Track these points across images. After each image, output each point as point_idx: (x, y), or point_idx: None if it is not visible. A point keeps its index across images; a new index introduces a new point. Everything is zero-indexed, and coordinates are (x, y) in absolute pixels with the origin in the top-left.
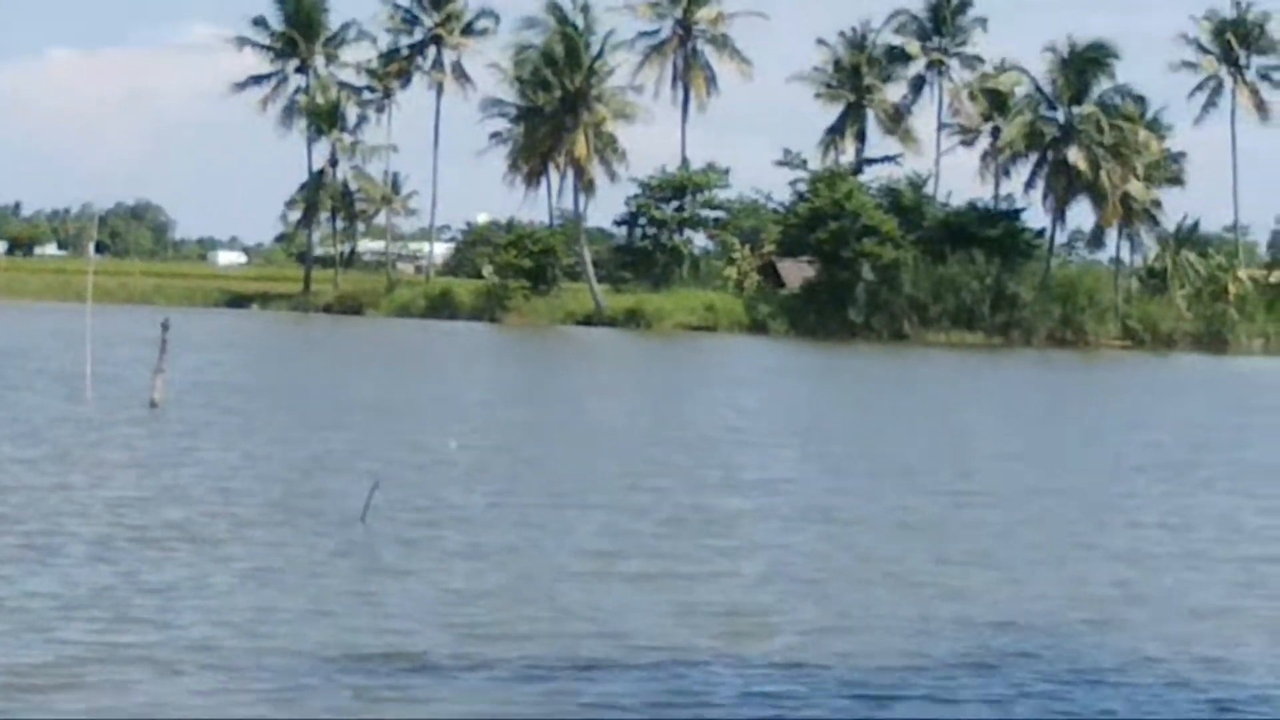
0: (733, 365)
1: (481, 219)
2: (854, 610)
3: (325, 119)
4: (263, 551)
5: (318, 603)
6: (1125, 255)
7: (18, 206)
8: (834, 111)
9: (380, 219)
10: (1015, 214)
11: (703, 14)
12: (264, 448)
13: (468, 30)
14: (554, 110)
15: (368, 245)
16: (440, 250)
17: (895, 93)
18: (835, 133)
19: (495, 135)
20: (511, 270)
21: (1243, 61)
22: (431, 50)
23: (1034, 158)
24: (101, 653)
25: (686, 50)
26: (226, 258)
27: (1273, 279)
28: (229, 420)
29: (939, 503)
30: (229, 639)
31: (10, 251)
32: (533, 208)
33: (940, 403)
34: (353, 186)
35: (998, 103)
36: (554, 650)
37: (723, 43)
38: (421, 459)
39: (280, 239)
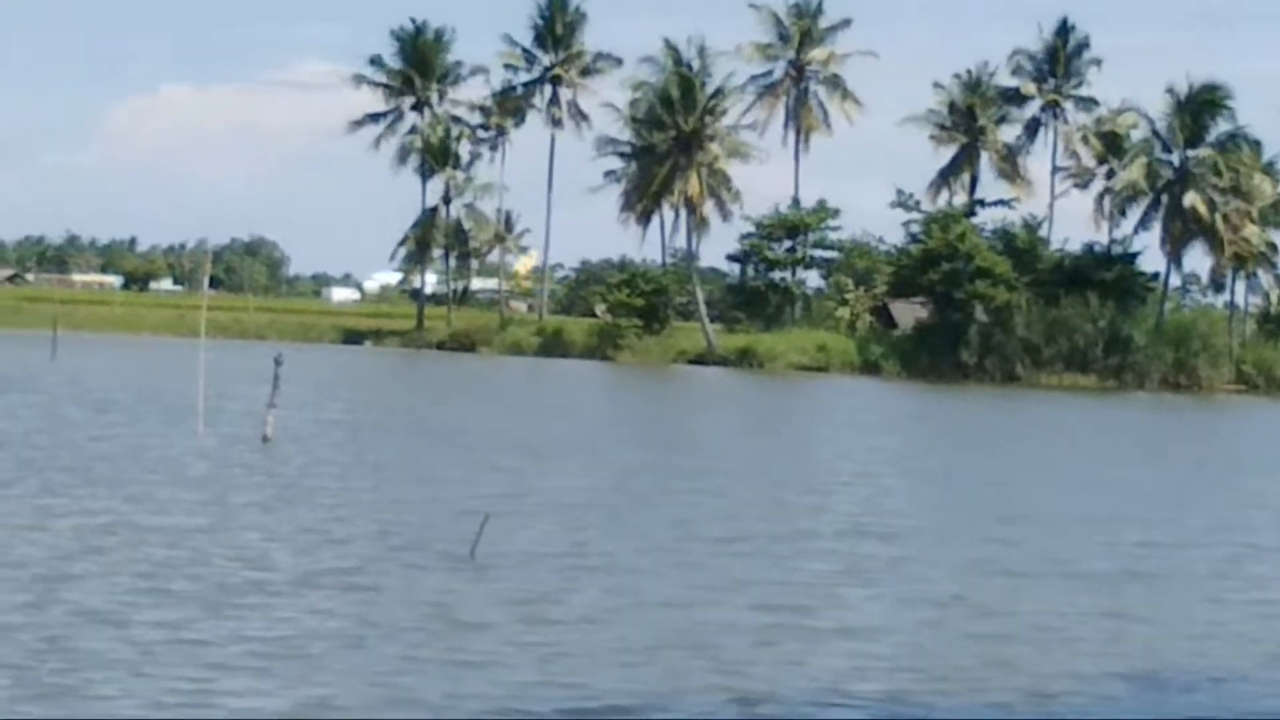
0: (856, 407)
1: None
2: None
3: (438, 156)
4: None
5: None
6: (1241, 299)
7: (133, 241)
8: (948, 153)
9: (493, 257)
10: (1131, 258)
11: (815, 54)
12: (375, 485)
13: (586, 70)
14: (668, 149)
15: (481, 284)
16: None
17: (1009, 134)
18: (948, 174)
19: (610, 174)
20: (624, 309)
21: None
22: (547, 88)
23: (1149, 200)
24: None
25: (799, 90)
26: (341, 294)
27: None
28: (341, 456)
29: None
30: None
31: (126, 286)
32: (646, 246)
33: (1091, 449)
34: (465, 224)
35: (1113, 145)
36: None
37: (835, 83)
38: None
39: (400, 282)
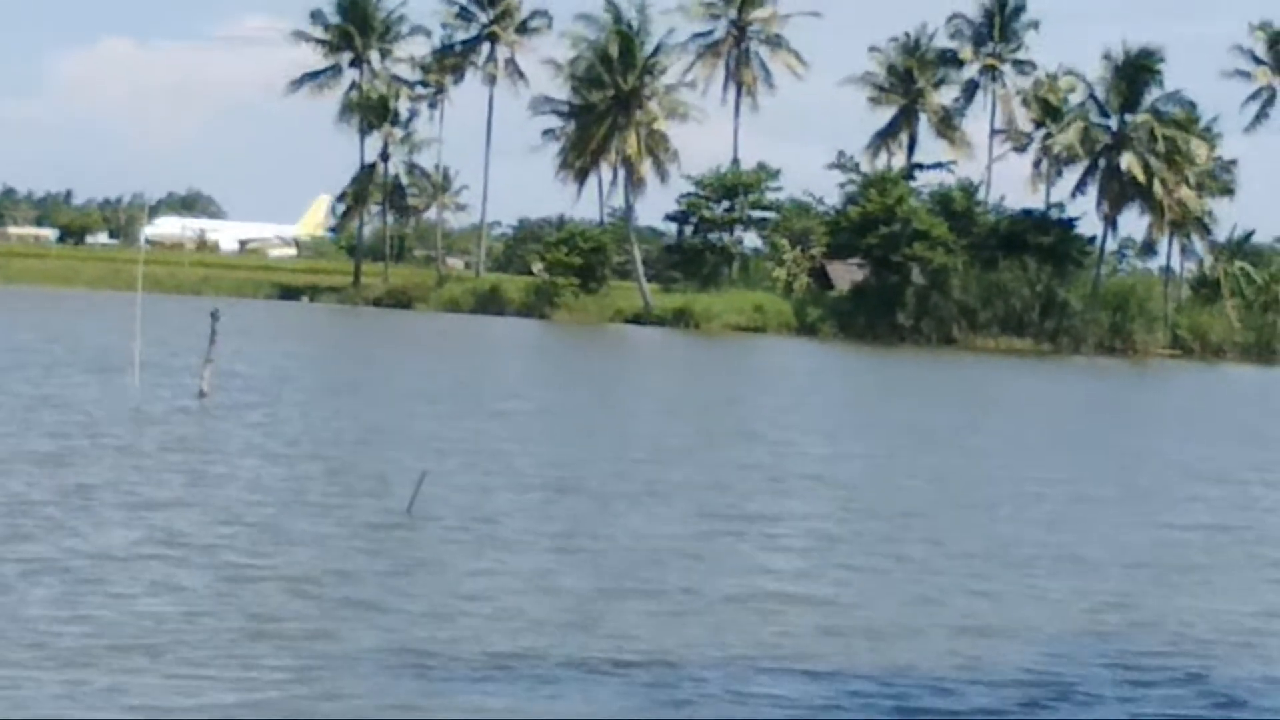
0: (801, 369)
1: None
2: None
3: (377, 113)
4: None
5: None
6: (1176, 264)
7: (69, 195)
8: (886, 115)
9: (431, 214)
10: (1069, 223)
11: (757, 14)
12: (312, 437)
13: (522, 28)
14: (606, 108)
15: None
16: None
17: (948, 97)
18: (887, 136)
19: (548, 132)
20: (561, 268)
21: None
22: (485, 47)
23: (1086, 165)
24: None
25: (740, 50)
26: (276, 250)
27: None
28: (277, 410)
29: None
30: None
31: (62, 239)
32: (583, 205)
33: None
34: (404, 181)
35: (1050, 109)
36: None
37: (777, 42)
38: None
39: (331, 231)
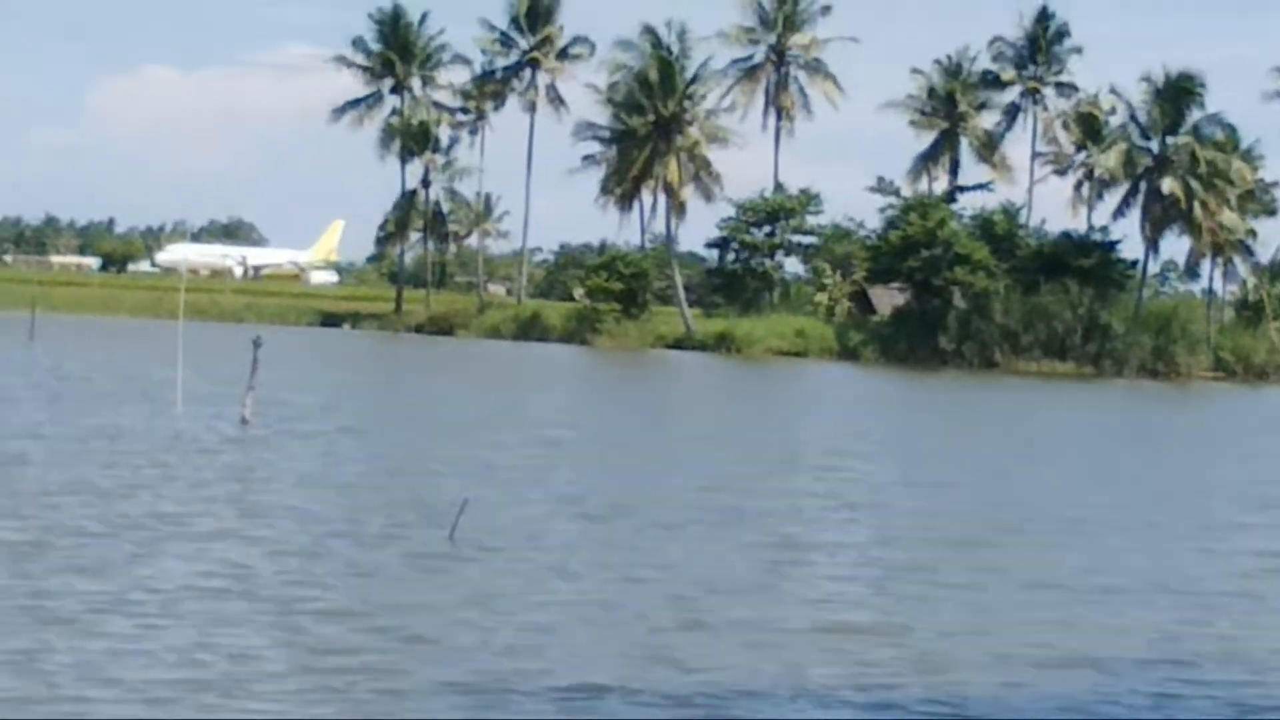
0: (844, 394)
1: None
2: None
3: (418, 140)
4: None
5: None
6: (1219, 286)
7: (112, 223)
8: (927, 139)
9: (472, 240)
10: (1110, 245)
11: (796, 39)
12: (354, 465)
13: (563, 54)
14: (647, 133)
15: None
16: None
17: (989, 120)
18: (928, 160)
19: (588, 158)
20: (602, 293)
21: None
22: (526, 73)
23: (1127, 187)
24: None
25: (780, 74)
26: (319, 277)
27: None
28: (319, 438)
29: None
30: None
31: (104, 268)
32: (625, 231)
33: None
34: (444, 207)
35: (1092, 132)
36: None
37: (815, 67)
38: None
39: (373, 259)
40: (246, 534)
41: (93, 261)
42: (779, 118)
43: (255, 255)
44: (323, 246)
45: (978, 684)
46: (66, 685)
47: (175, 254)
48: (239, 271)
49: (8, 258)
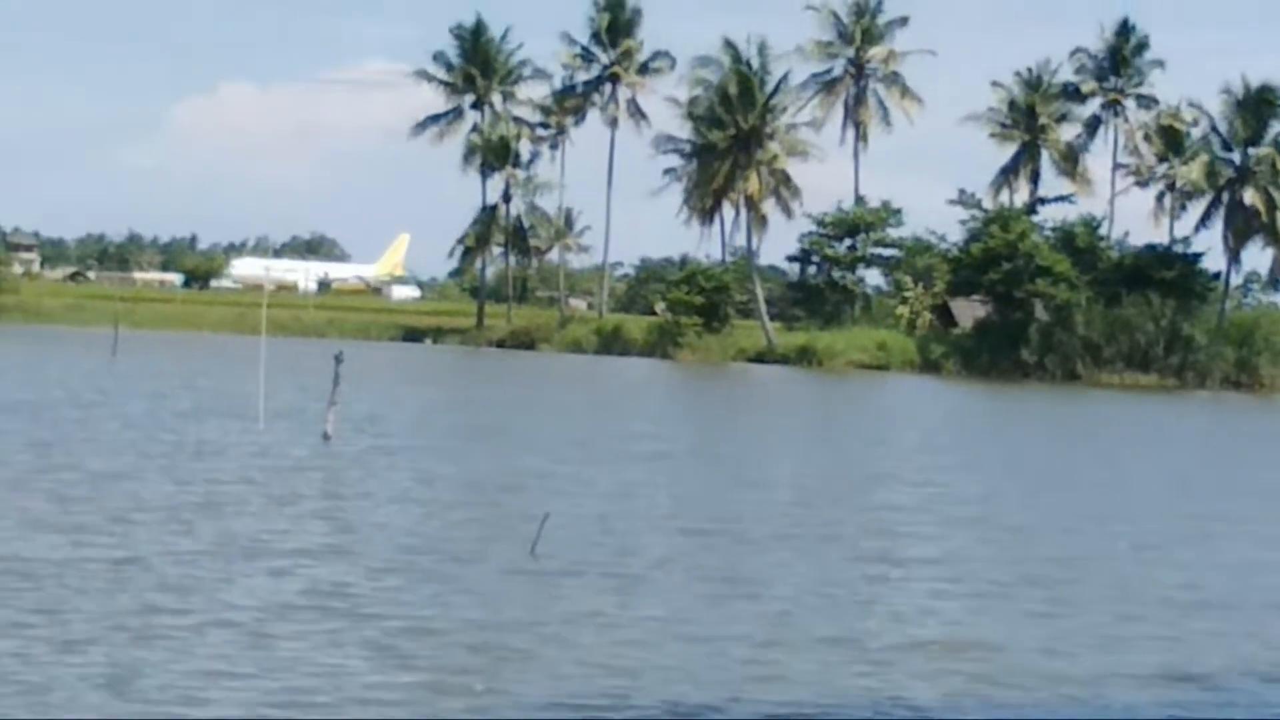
0: (928, 407)
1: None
2: None
3: (498, 155)
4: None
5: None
6: None
7: (194, 239)
8: (1008, 151)
9: (553, 255)
10: (1193, 258)
11: (874, 52)
12: (436, 481)
13: (643, 69)
14: (727, 147)
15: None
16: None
17: (1070, 133)
18: (1009, 173)
19: (669, 171)
20: (684, 307)
21: None
22: (607, 87)
23: (1209, 198)
24: None
25: (859, 88)
26: (400, 292)
27: None
28: (402, 453)
29: None
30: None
31: (187, 284)
32: (706, 245)
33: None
34: (525, 222)
35: (1173, 144)
36: None
37: (894, 80)
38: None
39: (454, 274)
40: (334, 550)
41: (175, 278)
42: (858, 131)
43: (321, 270)
44: (388, 260)
45: (1083, 702)
46: (162, 704)
47: (242, 269)
48: (304, 286)
49: (91, 275)
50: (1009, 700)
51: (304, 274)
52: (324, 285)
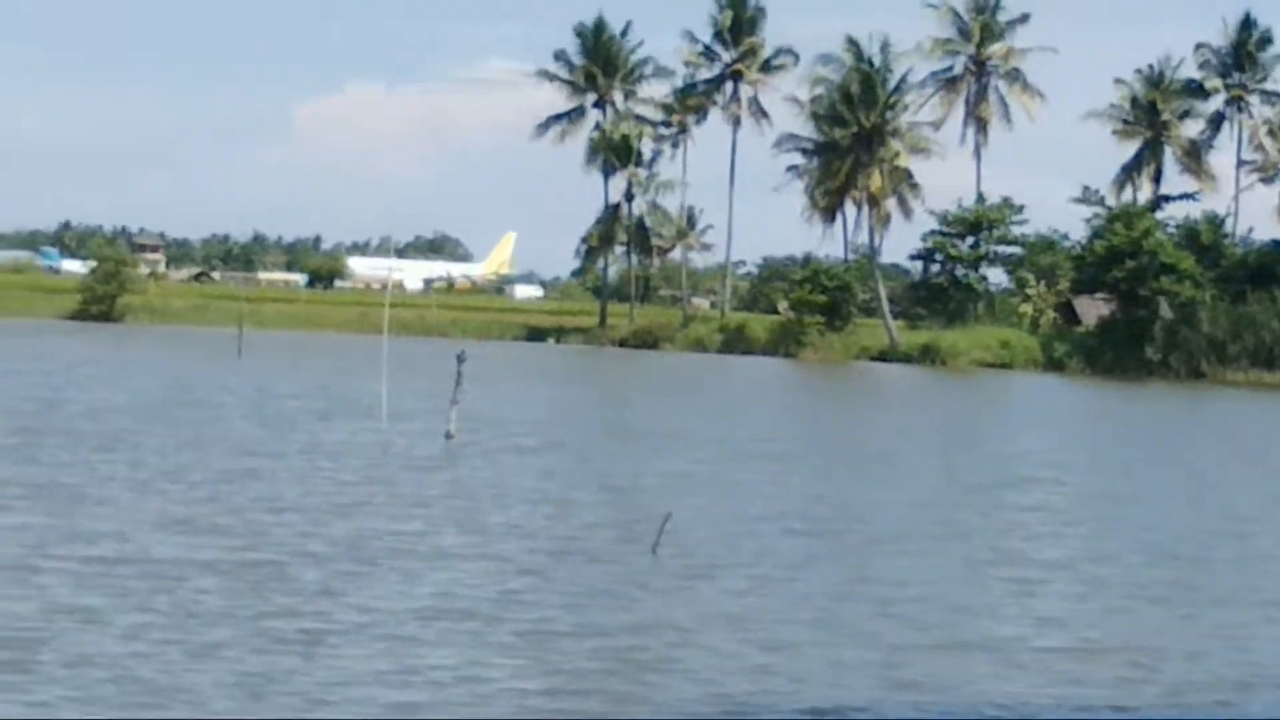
0: (1054, 405)
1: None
2: None
3: (620, 154)
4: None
5: None
6: None
7: (318, 240)
8: (1130, 148)
9: (675, 253)
10: None
11: (994, 49)
12: (557, 481)
13: (766, 67)
14: (849, 145)
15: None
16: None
17: (1193, 129)
18: (1131, 170)
19: (792, 169)
20: (807, 306)
21: None
22: (729, 86)
23: None
24: None
25: (979, 85)
26: (523, 291)
27: None
28: (523, 452)
29: None
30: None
31: (311, 284)
32: (828, 243)
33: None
34: (648, 221)
35: None
36: None
37: (1015, 77)
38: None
39: (577, 273)
40: (461, 552)
41: (299, 278)
42: (979, 128)
43: (426, 269)
44: (495, 259)
45: (1230, 705)
46: (295, 709)
47: (354, 268)
48: (412, 286)
49: (216, 275)
50: (1151, 702)
51: (410, 273)
52: (427, 284)
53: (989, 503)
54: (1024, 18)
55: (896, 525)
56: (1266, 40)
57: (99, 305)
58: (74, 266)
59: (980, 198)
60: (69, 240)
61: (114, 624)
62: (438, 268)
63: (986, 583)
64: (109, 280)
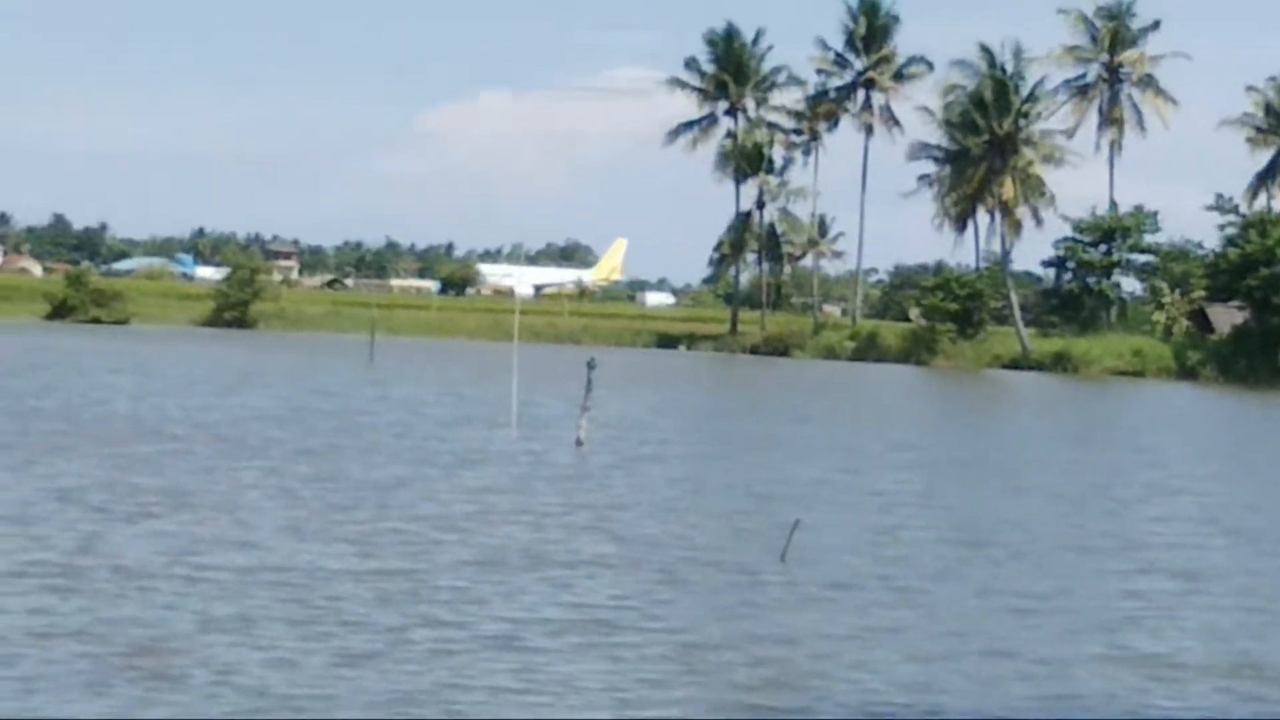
0: (1190, 414)
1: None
2: None
3: (752, 161)
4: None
5: None
6: None
7: (450, 247)
8: (1264, 156)
9: (807, 261)
10: None
11: (1127, 56)
12: (686, 488)
13: (898, 75)
14: (982, 153)
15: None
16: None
17: None
18: (1266, 177)
19: (923, 177)
20: (938, 313)
21: None
22: (860, 93)
23: None
24: None
25: (1112, 92)
26: (655, 299)
27: None
28: (654, 460)
29: None
30: None
31: (443, 290)
32: (960, 251)
33: None
34: (779, 229)
35: None
36: None
37: (1148, 84)
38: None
39: (708, 280)
40: (595, 561)
41: (431, 284)
42: (1113, 135)
43: (538, 274)
44: (605, 265)
45: None
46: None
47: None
48: (523, 292)
49: (349, 282)
50: None
51: (521, 279)
52: (538, 290)
53: (1130, 513)
54: (1155, 24)
55: (1036, 535)
56: None
57: (232, 312)
58: (208, 273)
59: (1113, 205)
60: (203, 247)
61: (256, 633)
62: (549, 274)
63: (1132, 594)
64: (243, 287)
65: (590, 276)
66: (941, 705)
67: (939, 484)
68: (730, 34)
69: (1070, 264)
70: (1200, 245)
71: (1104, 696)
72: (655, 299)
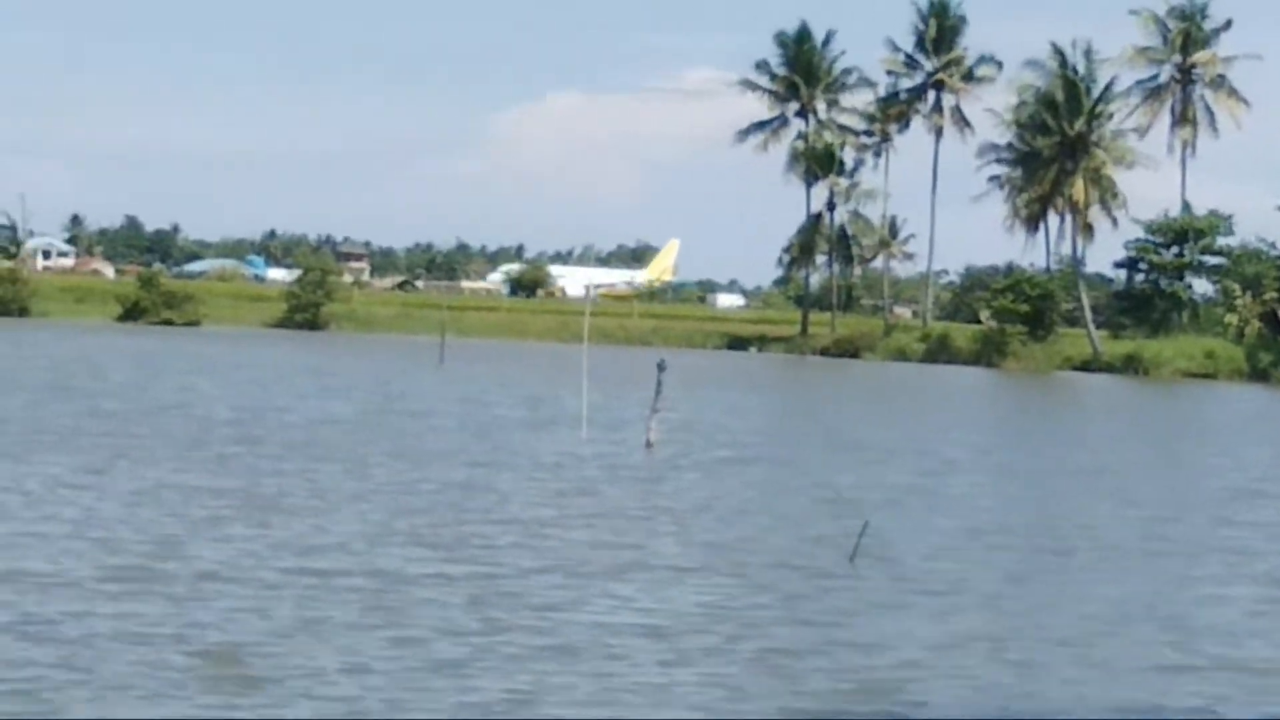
0: (1266, 417)
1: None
2: None
3: (822, 163)
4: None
5: None
6: None
7: (520, 249)
8: None
9: (877, 263)
10: None
11: (1199, 56)
12: (757, 490)
13: (969, 76)
14: (1053, 155)
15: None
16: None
17: None
18: None
19: (994, 179)
20: (1009, 315)
21: None
22: (931, 95)
23: None
24: None
25: (1184, 93)
26: (726, 300)
27: None
28: (726, 462)
29: None
30: None
31: (513, 292)
32: (1031, 252)
33: None
34: (850, 230)
35: None
36: None
37: (1220, 84)
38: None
39: (778, 282)
40: (668, 564)
41: (502, 286)
42: (1188, 136)
43: (588, 275)
44: (657, 265)
45: None
46: None
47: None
48: (574, 292)
49: (419, 284)
50: None
51: (571, 279)
52: (590, 291)
53: (1209, 517)
54: (1227, 24)
55: (1115, 539)
56: None
57: (304, 313)
58: (279, 275)
59: (1186, 206)
60: (274, 249)
61: (336, 638)
62: (599, 274)
63: (1219, 600)
64: (314, 289)
65: (642, 277)
66: (1031, 711)
67: (1013, 487)
68: (801, 36)
69: (1142, 265)
70: (1273, 246)
71: (1193, 702)
72: (726, 301)
